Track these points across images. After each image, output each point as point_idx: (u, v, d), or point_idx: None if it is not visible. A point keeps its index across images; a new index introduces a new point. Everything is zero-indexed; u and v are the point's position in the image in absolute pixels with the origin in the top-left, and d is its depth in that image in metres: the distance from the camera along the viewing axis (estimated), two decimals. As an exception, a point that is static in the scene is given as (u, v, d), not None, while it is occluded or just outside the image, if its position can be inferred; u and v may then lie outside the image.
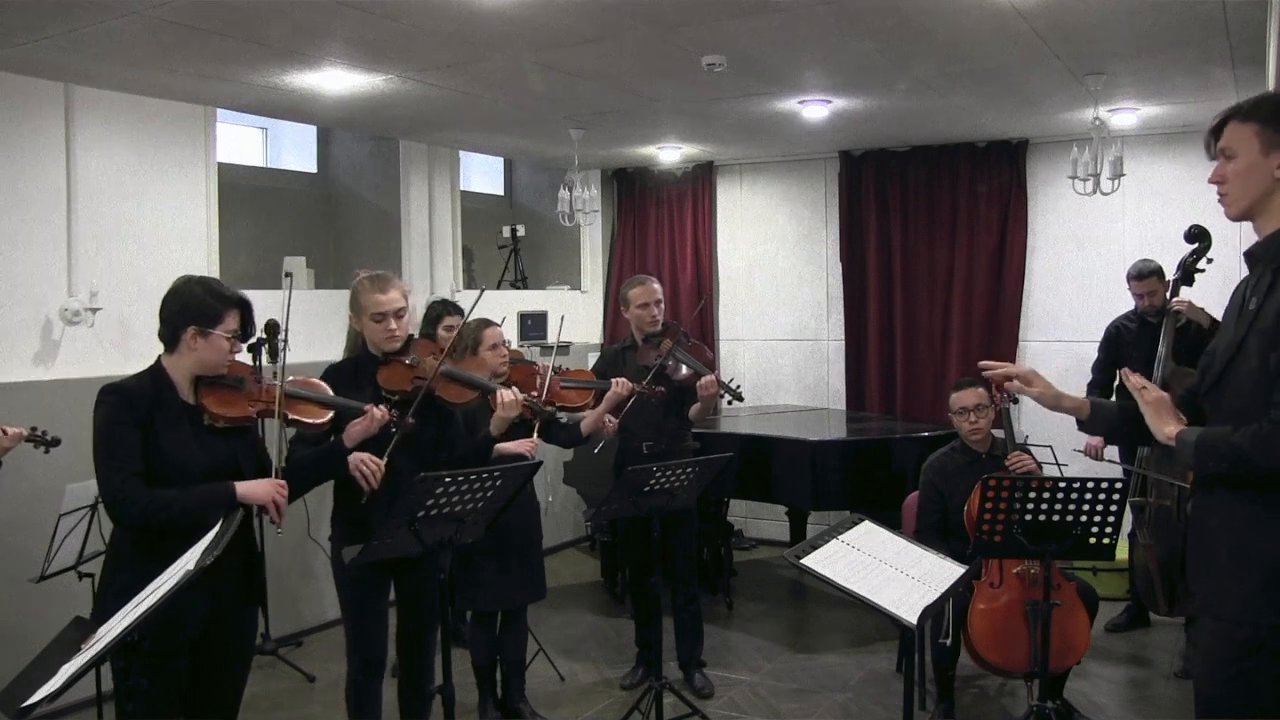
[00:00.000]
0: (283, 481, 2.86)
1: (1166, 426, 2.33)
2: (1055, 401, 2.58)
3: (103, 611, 2.57)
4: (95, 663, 2.02)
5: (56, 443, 3.54)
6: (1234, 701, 2.06)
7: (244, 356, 4.50)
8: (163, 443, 2.74)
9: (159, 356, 2.85)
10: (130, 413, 2.71)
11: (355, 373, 3.43)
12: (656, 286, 4.76)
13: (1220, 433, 2.15)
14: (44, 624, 2.54)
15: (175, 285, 2.86)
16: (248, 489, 2.79)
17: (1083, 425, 2.63)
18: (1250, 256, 2.20)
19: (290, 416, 3.01)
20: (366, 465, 3.21)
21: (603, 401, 4.28)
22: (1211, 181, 2.24)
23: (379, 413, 3.20)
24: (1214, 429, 2.20)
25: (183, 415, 2.81)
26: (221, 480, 2.80)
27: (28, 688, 1.97)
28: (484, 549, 4.00)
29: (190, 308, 2.79)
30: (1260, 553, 2.05)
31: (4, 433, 3.44)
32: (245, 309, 2.88)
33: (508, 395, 3.67)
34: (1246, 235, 2.21)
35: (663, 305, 4.76)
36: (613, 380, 4.32)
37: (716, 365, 5.97)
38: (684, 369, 4.60)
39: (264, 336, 4.50)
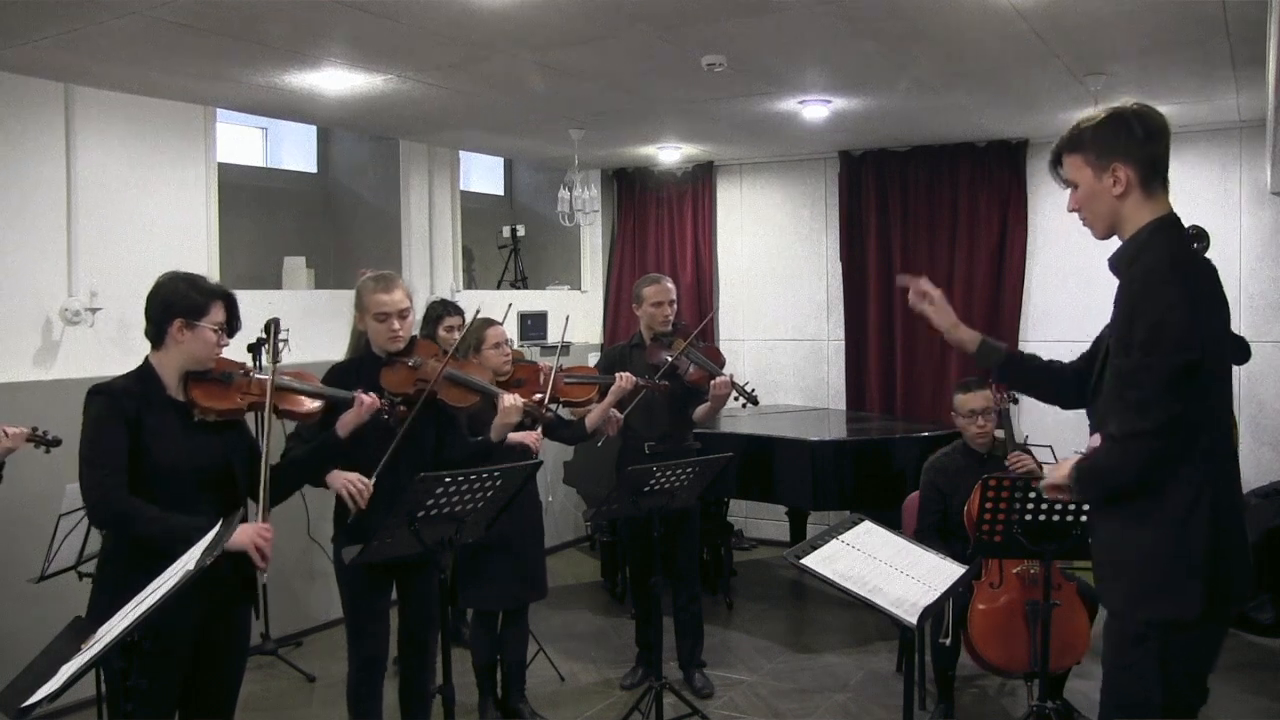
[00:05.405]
0: (267, 525, 2.75)
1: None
2: (952, 330, 2.65)
3: (97, 611, 2.57)
4: (95, 663, 2.02)
5: (57, 443, 3.54)
6: (1127, 686, 2.32)
7: (244, 357, 4.53)
8: (151, 444, 2.72)
9: (146, 356, 2.85)
10: (118, 412, 2.70)
11: (358, 373, 3.42)
12: (670, 286, 4.75)
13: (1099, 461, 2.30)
14: (44, 624, 2.53)
15: (159, 281, 2.85)
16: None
17: (977, 360, 2.68)
18: (1111, 266, 2.36)
19: (280, 407, 3.00)
20: (354, 485, 3.20)
21: (607, 395, 4.28)
22: (1070, 210, 2.42)
23: (369, 400, 3.18)
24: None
25: (172, 412, 2.80)
26: (211, 482, 2.80)
27: (28, 688, 1.97)
28: (486, 548, 4.00)
29: (175, 302, 2.79)
30: (1131, 557, 2.28)
31: (5, 433, 3.44)
32: (230, 301, 2.88)
33: (508, 400, 3.64)
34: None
35: (675, 305, 4.77)
36: (616, 375, 4.32)
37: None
38: (693, 369, 4.59)
39: (264, 336, 4.50)
